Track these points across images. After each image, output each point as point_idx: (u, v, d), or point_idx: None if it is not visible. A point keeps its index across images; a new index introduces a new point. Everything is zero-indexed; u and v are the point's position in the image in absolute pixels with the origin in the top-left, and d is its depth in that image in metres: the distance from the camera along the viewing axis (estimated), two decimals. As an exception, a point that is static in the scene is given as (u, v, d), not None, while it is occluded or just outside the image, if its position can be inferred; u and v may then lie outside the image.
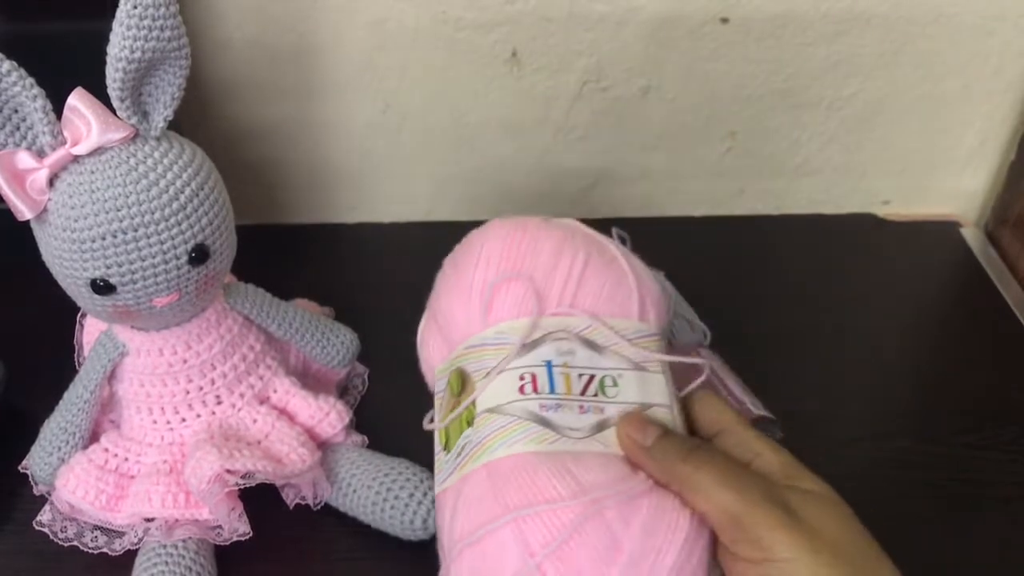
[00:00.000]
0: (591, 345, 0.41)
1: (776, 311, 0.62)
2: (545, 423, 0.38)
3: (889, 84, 0.67)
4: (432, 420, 0.44)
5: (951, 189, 0.74)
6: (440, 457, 0.42)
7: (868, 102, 0.68)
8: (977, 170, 0.73)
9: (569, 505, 0.36)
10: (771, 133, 0.69)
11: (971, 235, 0.72)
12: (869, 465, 0.53)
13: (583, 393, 0.40)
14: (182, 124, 0.64)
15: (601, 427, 0.39)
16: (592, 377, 0.40)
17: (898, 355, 0.62)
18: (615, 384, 0.40)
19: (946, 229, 0.73)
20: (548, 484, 0.36)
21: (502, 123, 0.68)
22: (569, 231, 0.45)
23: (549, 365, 0.40)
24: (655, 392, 0.40)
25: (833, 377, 0.59)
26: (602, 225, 0.69)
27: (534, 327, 0.41)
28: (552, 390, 0.39)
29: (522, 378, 0.40)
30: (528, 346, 0.41)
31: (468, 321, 0.43)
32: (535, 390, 0.39)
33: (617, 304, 0.43)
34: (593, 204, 0.73)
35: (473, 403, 0.41)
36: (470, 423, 0.40)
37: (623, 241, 0.54)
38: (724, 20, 0.63)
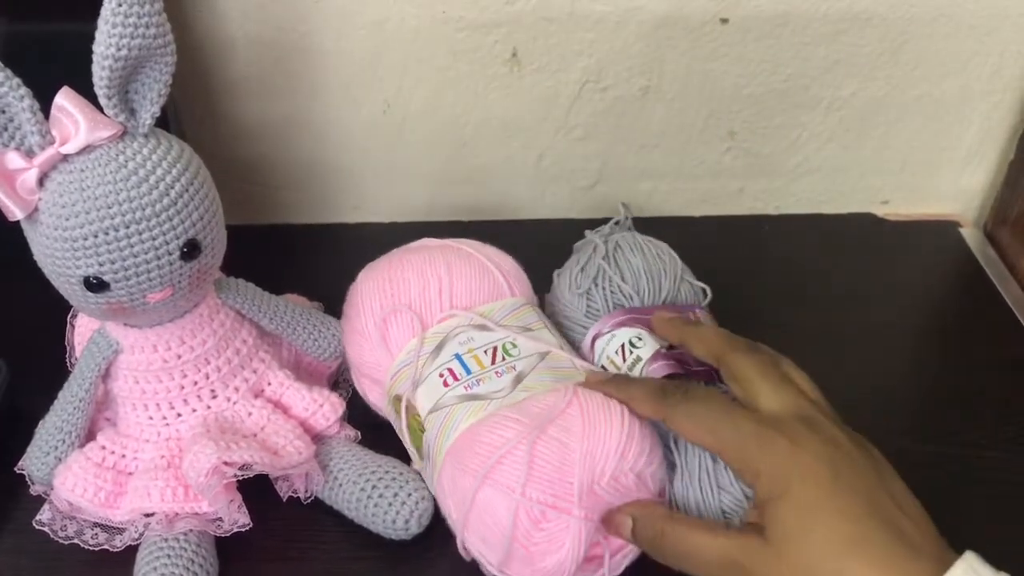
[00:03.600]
0: (483, 328, 0.50)
1: (775, 311, 0.62)
2: (474, 398, 0.46)
3: (888, 84, 0.67)
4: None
5: (950, 189, 0.74)
6: (422, 468, 0.49)
7: (867, 102, 0.68)
8: (976, 170, 0.73)
9: (517, 440, 0.43)
10: (770, 133, 0.70)
11: (970, 235, 0.72)
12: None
13: (493, 363, 0.48)
14: (184, 123, 0.65)
15: (519, 379, 0.47)
16: (495, 348, 0.49)
17: (897, 354, 0.62)
18: (515, 345, 0.49)
19: (945, 229, 0.73)
20: (493, 436, 0.44)
21: (502, 123, 0.68)
22: (426, 251, 0.53)
23: (458, 356, 0.48)
24: (547, 342, 0.50)
25: (832, 377, 0.58)
26: (602, 224, 0.69)
27: (432, 336, 0.49)
28: (468, 372, 0.47)
29: (441, 375, 0.48)
30: (434, 351, 0.49)
31: (378, 359, 0.51)
32: (455, 379, 0.47)
33: (487, 291, 0.52)
34: (593, 204, 0.73)
35: (416, 414, 0.48)
36: (423, 429, 0.47)
37: (627, 215, 0.60)
38: (724, 20, 0.64)
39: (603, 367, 0.51)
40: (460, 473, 0.44)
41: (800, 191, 0.73)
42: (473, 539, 0.44)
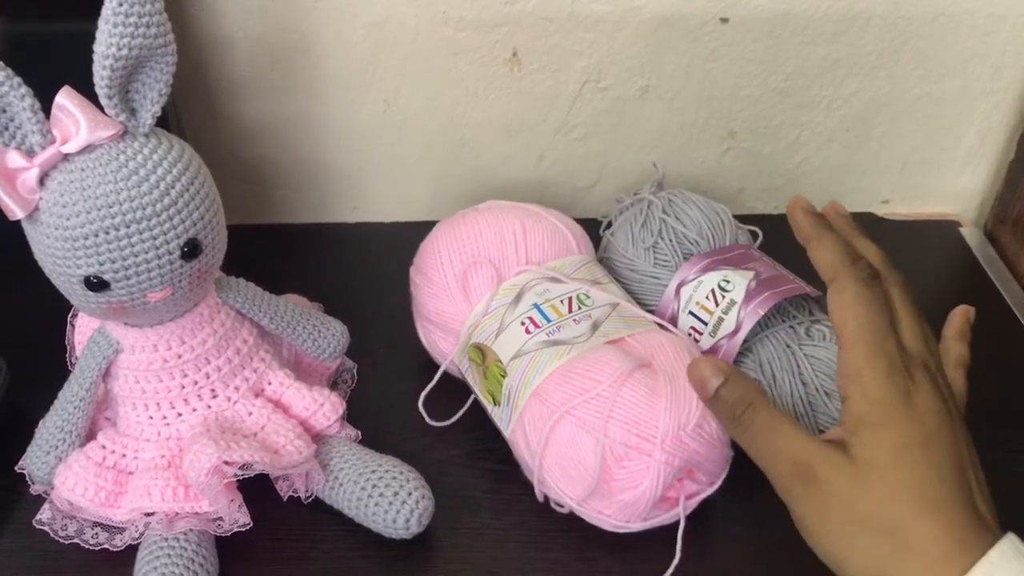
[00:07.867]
0: (556, 280, 0.53)
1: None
2: (557, 343, 0.49)
3: (888, 84, 0.67)
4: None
5: (950, 188, 0.74)
6: (495, 412, 0.51)
7: (867, 102, 0.68)
8: (976, 169, 0.73)
9: (607, 381, 0.46)
10: (770, 133, 0.70)
11: (970, 234, 0.72)
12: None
13: (570, 312, 0.51)
14: (184, 123, 0.65)
15: (596, 326, 0.50)
16: (570, 298, 0.52)
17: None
18: (588, 296, 0.52)
19: (945, 228, 0.73)
20: (583, 378, 0.47)
21: (502, 123, 0.68)
22: (497, 210, 0.57)
23: (536, 306, 0.51)
24: (615, 294, 0.53)
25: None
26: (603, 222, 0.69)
27: (510, 287, 0.53)
28: (548, 320, 0.50)
29: (523, 323, 0.51)
30: (513, 302, 0.52)
31: (456, 309, 0.54)
32: (536, 327, 0.50)
33: (558, 248, 0.55)
34: (593, 204, 0.73)
35: (498, 360, 0.51)
36: (504, 375, 0.50)
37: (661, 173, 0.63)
38: (724, 20, 0.64)
39: (691, 313, 0.54)
40: (547, 410, 0.47)
41: (800, 191, 0.73)
42: (552, 473, 0.47)
